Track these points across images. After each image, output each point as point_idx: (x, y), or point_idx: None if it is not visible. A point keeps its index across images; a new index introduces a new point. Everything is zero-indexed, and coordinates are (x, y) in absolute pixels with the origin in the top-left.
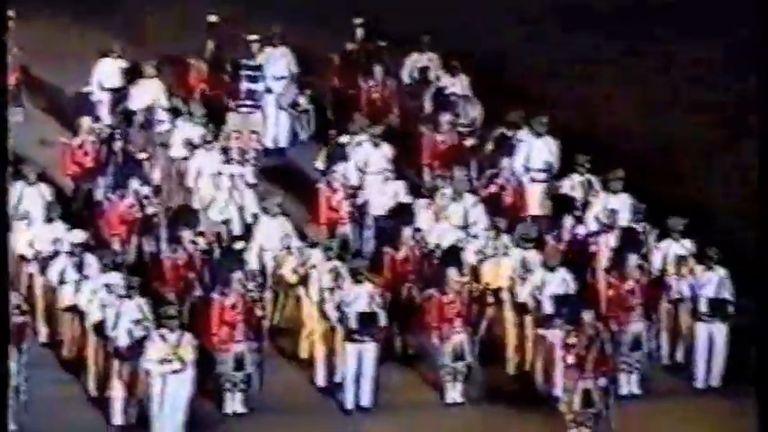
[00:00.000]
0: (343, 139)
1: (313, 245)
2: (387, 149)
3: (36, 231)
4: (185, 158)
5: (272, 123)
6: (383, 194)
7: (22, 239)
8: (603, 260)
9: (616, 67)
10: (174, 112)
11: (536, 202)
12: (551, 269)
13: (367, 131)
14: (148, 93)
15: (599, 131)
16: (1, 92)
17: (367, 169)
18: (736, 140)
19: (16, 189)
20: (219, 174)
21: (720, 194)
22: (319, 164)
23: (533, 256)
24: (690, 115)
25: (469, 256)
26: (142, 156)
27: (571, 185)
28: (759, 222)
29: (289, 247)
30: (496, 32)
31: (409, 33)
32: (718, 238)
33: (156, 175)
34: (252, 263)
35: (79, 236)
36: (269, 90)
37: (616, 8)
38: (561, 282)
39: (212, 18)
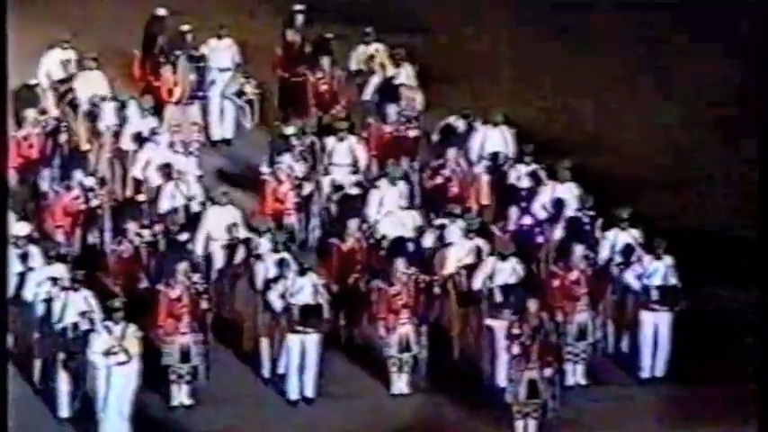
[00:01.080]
0: (289, 130)
1: (259, 235)
2: (353, 142)
3: None
4: (131, 151)
5: (217, 115)
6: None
7: None
8: (549, 250)
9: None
10: (120, 105)
11: (483, 193)
12: (503, 258)
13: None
14: (92, 85)
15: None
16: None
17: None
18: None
19: None
20: (167, 165)
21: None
22: (264, 168)
23: (483, 245)
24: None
25: (426, 246)
26: (87, 148)
27: (517, 176)
28: (759, 222)
29: (237, 238)
30: (440, 19)
31: (352, 23)
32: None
33: (101, 168)
34: (198, 252)
35: (24, 228)
36: (213, 82)
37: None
38: (512, 271)
39: (161, 11)
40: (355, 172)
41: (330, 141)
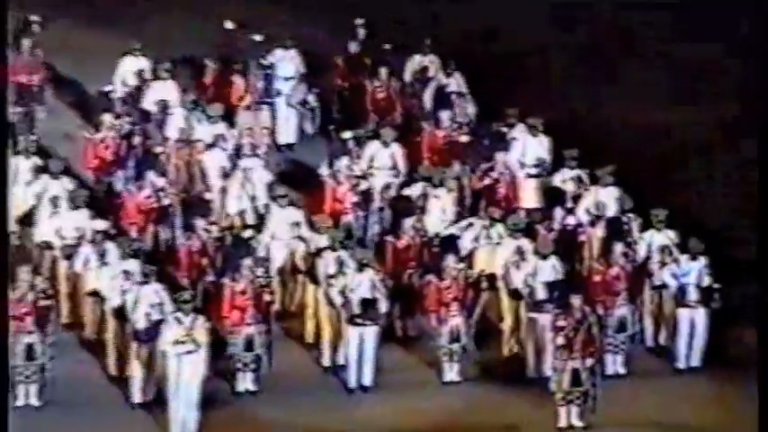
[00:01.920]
0: (347, 135)
1: (319, 233)
2: (396, 149)
3: (61, 220)
4: (201, 153)
5: (283, 121)
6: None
7: (49, 228)
8: (591, 248)
9: (613, 66)
10: (189, 111)
11: (529, 195)
12: (544, 257)
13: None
14: (163, 93)
15: (593, 129)
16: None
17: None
18: (736, 140)
19: (41, 181)
20: (233, 167)
21: (720, 194)
22: (324, 169)
23: (527, 244)
24: (691, 114)
25: (465, 245)
26: (159, 150)
27: (562, 179)
28: (759, 221)
29: (298, 236)
30: (493, 34)
31: (410, 36)
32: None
33: (172, 169)
34: (261, 250)
35: (101, 224)
36: (278, 90)
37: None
38: (552, 269)
39: (228, 24)
40: (395, 176)
41: (374, 146)
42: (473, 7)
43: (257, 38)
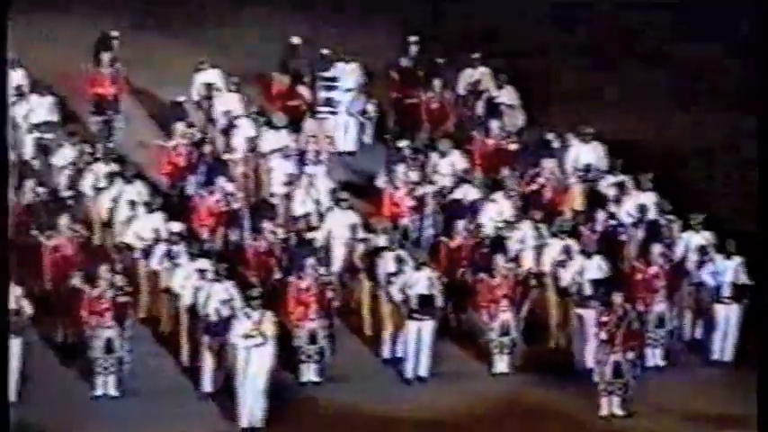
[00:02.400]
0: (403, 143)
1: (377, 234)
2: (456, 156)
3: (138, 222)
4: (267, 160)
5: (343, 130)
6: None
7: (127, 229)
8: (632, 249)
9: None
10: (256, 120)
11: (574, 199)
12: (589, 256)
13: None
14: (231, 104)
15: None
16: (1, 92)
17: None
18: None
19: (117, 186)
20: (298, 174)
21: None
22: (382, 175)
23: (573, 244)
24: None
25: (514, 245)
26: (228, 157)
27: (607, 184)
28: (759, 222)
29: (358, 237)
30: (541, 51)
31: (460, 49)
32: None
33: (240, 175)
34: (323, 249)
35: (176, 226)
36: (339, 101)
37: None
38: (597, 267)
39: (294, 40)
40: (457, 182)
41: (434, 156)
42: (524, 25)
43: (324, 51)
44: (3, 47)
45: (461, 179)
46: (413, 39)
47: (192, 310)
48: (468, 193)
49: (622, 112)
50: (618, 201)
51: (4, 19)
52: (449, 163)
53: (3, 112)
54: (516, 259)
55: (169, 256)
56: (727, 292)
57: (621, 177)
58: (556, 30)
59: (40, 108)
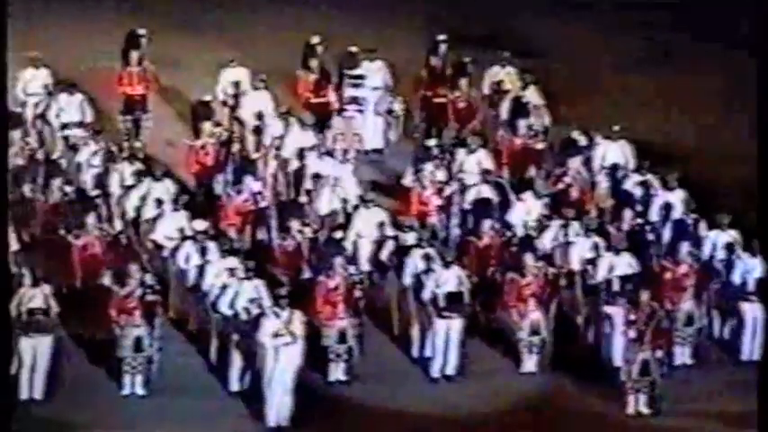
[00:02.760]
0: (430, 142)
1: (405, 233)
2: (482, 154)
3: (165, 220)
4: (294, 159)
5: (370, 128)
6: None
7: (154, 228)
8: (660, 247)
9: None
10: (283, 119)
11: (601, 197)
12: (618, 253)
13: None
14: (258, 102)
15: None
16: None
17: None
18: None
19: (145, 184)
20: (325, 172)
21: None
22: (409, 174)
23: (600, 242)
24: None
25: (543, 244)
26: (255, 157)
27: (633, 183)
28: (759, 222)
29: (386, 235)
30: (568, 47)
31: (487, 48)
32: None
33: (268, 174)
34: (349, 248)
35: (202, 225)
36: (366, 99)
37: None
38: (627, 264)
39: (314, 39)
40: (485, 180)
41: (461, 153)
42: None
43: (352, 49)
44: (3, 47)
45: (485, 179)
46: (441, 38)
47: (221, 308)
48: (485, 191)
49: (650, 112)
50: (644, 200)
51: (3, 19)
52: (476, 161)
53: (3, 112)
54: (545, 258)
55: (197, 254)
56: (753, 290)
57: (648, 176)
58: (580, 28)
59: (69, 107)
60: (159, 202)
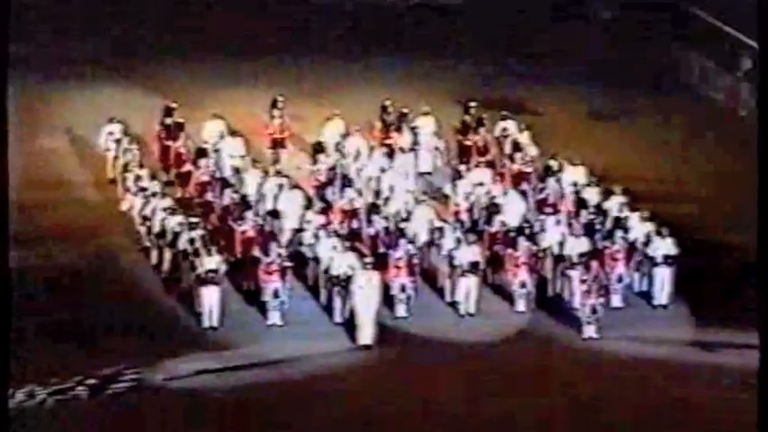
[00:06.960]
0: (462, 168)
1: (445, 224)
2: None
3: (294, 217)
4: (377, 179)
5: (423, 158)
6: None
7: (289, 220)
8: (604, 234)
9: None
10: (370, 150)
11: (567, 203)
12: (578, 237)
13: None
14: (356, 143)
15: None
16: (1, 92)
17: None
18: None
19: (283, 193)
20: (393, 186)
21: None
22: (449, 189)
23: (566, 230)
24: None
25: (531, 231)
26: (353, 174)
27: (588, 193)
28: (759, 223)
29: (433, 226)
30: (550, 104)
31: (498, 109)
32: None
33: (362, 185)
34: (409, 234)
35: (319, 219)
36: (420, 140)
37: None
38: (583, 244)
39: (387, 102)
40: (487, 192)
41: (473, 176)
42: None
43: (405, 110)
44: (4, 47)
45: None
46: (472, 104)
47: (331, 271)
48: (496, 198)
49: (603, 146)
50: (596, 204)
51: (4, 19)
52: (480, 179)
53: (2, 112)
54: (531, 239)
55: (314, 237)
56: (661, 261)
57: (596, 188)
58: (560, 88)
59: (234, 145)
60: (291, 205)
